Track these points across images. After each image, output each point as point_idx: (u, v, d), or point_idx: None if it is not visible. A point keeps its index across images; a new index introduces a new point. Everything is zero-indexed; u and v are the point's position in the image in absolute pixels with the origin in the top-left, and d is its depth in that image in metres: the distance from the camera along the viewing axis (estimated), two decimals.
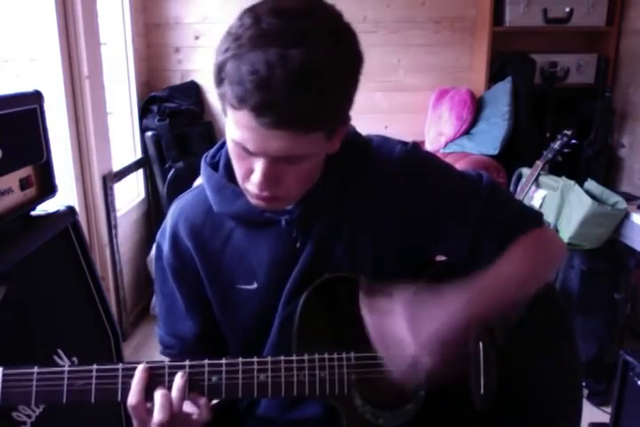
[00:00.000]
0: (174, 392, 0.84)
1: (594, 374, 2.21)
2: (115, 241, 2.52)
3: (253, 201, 0.88)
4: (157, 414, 0.82)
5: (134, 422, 0.86)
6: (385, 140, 0.99)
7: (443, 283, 0.88)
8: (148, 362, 0.87)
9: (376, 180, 0.96)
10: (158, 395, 0.84)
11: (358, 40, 0.80)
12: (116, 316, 1.80)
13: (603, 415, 2.06)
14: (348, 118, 0.86)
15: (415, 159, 0.97)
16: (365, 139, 0.99)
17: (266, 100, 0.72)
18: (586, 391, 2.19)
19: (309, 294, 0.93)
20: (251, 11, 0.76)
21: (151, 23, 3.17)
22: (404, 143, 0.98)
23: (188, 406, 0.86)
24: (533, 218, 1.03)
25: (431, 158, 1.01)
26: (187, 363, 0.86)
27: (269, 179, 0.81)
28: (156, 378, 0.85)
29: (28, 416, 1.16)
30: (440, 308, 0.86)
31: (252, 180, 0.83)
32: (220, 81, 0.77)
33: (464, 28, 3.20)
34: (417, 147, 0.99)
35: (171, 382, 0.85)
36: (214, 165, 0.99)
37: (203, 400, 0.86)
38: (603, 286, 2.25)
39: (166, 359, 0.90)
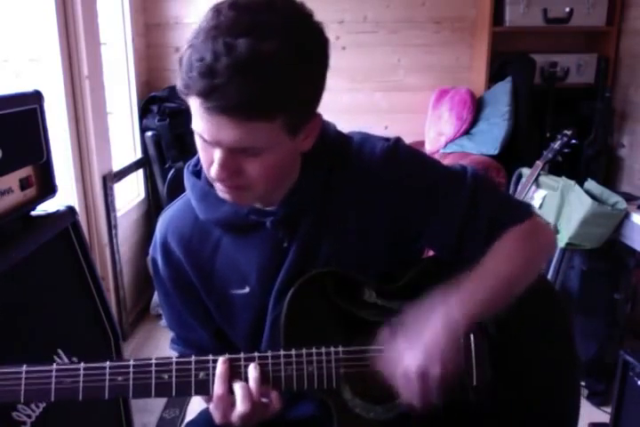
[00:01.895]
0: (252, 383, 0.87)
1: (594, 374, 2.21)
2: (115, 241, 2.52)
3: (220, 194, 0.90)
4: (240, 405, 0.86)
5: (216, 414, 0.88)
6: (366, 138, 0.99)
7: (431, 278, 0.90)
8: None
9: (360, 177, 0.96)
10: (238, 387, 0.87)
11: (322, 40, 0.82)
12: (116, 316, 1.80)
13: (603, 415, 2.06)
14: (311, 115, 0.86)
15: (399, 154, 0.97)
16: (347, 137, 0.99)
17: (209, 86, 0.74)
18: (586, 391, 2.19)
19: (296, 290, 0.93)
20: (216, 5, 0.79)
21: (151, 23, 3.17)
22: (387, 139, 0.98)
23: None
24: (521, 209, 1.02)
25: (414, 153, 1.00)
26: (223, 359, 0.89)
27: (227, 170, 0.83)
28: (235, 371, 0.88)
29: (28, 416, 1.16)
30: (430, 319, 0.88)
31: (211, 170, 0.84)
32: (179, 73, 0.79)
33: (464, 29, 3.20)
34: (400, 142, 0.99)
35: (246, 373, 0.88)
36: (197, 174, 0.99)
37: (274, 393, 0.88)
38: (603, 286, 2.25)
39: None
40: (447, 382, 0.85)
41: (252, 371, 0.88)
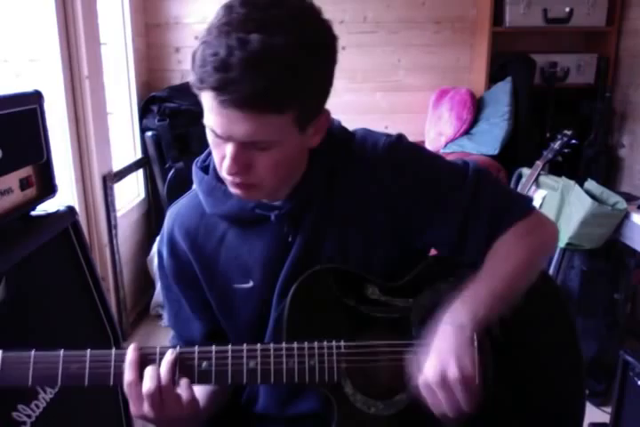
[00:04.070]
0: (162, 366, 0.86)
1: (594, 374, 2.21)
2: (115, 241, 2.52)
3: (232, 190, 0.91)
4: (145, 384, 0.85)
5: (130, 401, 0.88)
6: (369, 133, 1.01)
7: (435, 276, 0.93)
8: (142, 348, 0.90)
9: (362, 172, 0.97)
10: (148, 369, 0.87)
11: (330, 36, 0.84)
12: (116, 316, 1.80)
13: (603, 415, 2.06)
14: (321, 110, 0.88)
15: (401, 149, 0.98)
16: (349, 132, 1.01)
17: (223, 80, 0.76)
18: (586, 391, 2.19)
19: (298, 286, 0.94)
20: (227, 3, 0.80)
21: (151, 23, 3.17)
22: (389, 135, 0.99)
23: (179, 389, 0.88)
24: (522, 203, 1.02)
25: (417, 148, 1.01)
26: (177, 349, 0.89)
27: (239, 164, 0.84)
28: (148, 358, 0.88)
29: (28, 416, 1.16)
30: (440, 329, 0.89)
31: (223, 165, 0.85)
32: (192, 68, 0.81)
33: (464, 29, 3.21)
34: (402, 137, 1.00)
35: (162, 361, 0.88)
36: (205, 169, 1.01)
37: (184, 380, 0.87)
38: (603, 286, 2.25)
39: None
40: (471, 385, 0.85)
41: (167, 355, 0.87)
